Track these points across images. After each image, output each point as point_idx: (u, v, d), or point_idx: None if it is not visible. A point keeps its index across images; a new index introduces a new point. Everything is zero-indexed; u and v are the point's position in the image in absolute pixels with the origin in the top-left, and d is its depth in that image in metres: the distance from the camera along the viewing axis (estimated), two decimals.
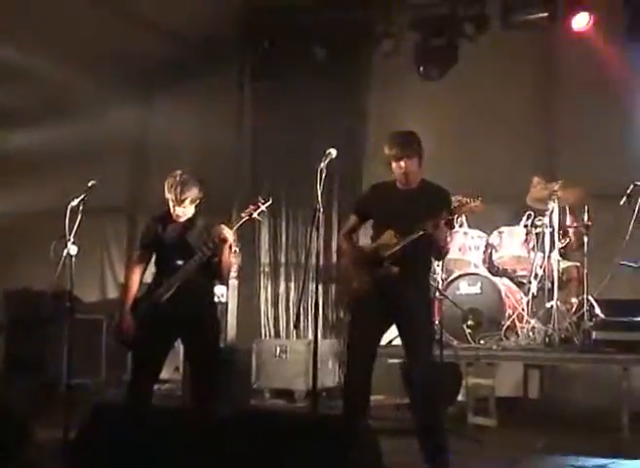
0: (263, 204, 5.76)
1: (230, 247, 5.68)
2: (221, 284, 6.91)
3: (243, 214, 5.76)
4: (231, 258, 5.85)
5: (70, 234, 5.85)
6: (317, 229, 5.14)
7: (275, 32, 9.77)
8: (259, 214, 5.78)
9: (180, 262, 5.66)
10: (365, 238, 5.91)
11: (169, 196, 5.75)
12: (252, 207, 5.77)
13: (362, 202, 5.91)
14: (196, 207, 5.85)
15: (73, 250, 5.86)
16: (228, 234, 5.59)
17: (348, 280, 5.66)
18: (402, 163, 5.45)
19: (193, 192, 5.73)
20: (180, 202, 5.70)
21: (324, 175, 5.13)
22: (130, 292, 5.86)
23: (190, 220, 5.83)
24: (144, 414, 4.77)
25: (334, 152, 5.24)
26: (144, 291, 5.87)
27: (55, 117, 10.44)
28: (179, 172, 5.78)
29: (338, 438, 3.96)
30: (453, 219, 5.59)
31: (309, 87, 9.81)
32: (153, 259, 5.96)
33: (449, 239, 5.92)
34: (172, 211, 5.79)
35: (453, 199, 5.56)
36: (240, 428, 4.19)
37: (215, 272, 5.81)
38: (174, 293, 5.63)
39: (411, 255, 5.36)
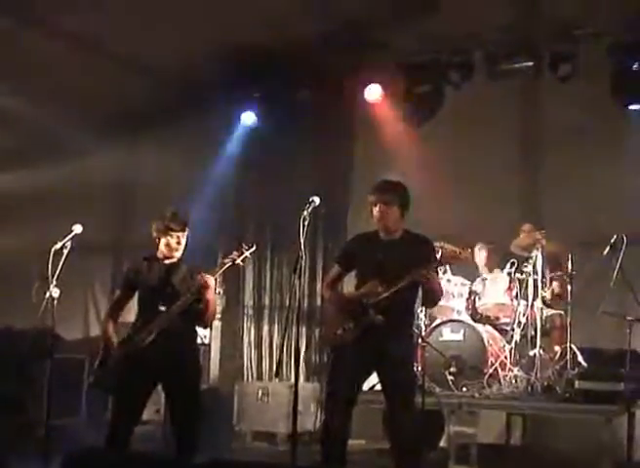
0: (247, 250, 5.78)
1: (218, 293, 5.69)
2: (204, 328, 6.89)
3: (226, 261, 5.77)
4: (215, 305, 5.84)
5: (53, 277, 5.86)
6: (299, 277, 5.17)
7: (262, 75, 9.82)
8: (242, 261, 5.79)
9: (162, 306, 5.64)
10: (348, 286, 5.92)
11: (158, 232, 5.76)
12: (235, 253, 5.78)
13: (345, 252, 5.93)
14: (185, 246, 5.85)
15: (55, 292, 5.87)
16: (210, 281, 5.59)
17: (332, 326, 5.66)
18: (377, 208, 5.50)
19: (184, 225, 5.76)
20: (180, 231, 5.72)
21: (307, 223, 5.16)
22: (108, 336, 5.82)
23: (175, 264, 5.83)
24: (123, 460, 4.73)
25: (317, 200, 5.28)
26: (126, 333, 5.85)
27: (40, 158, 10.45)
28: (168, 208, 5.82)
29: None
30: (437, 268, 5.63)
31: (295, 131, 9.87)
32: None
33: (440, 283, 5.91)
34: (161, 249, 5.79)
35: (441, 247, 5.61)
36: None
37: (198, 317, 5.81)
38: (155, 338, 5.60)
39: (396, 305, 5.38)
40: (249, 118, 10.11)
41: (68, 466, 4.51)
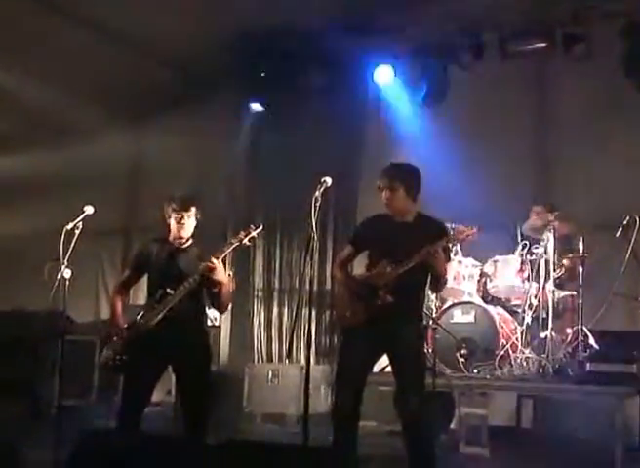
0: (255, 230, 5.76)
1: (225, 275, 5.67)
2: (220, 312, 6.86)
3: (234, 241, 5.74)
4: (230, 287, 5.82)
5: (65, 257, 5.87)
6: (311, 257, 5.13)
7: (270, 58, 9.79)
8: (249, 240, 5.77)
9: (169, 289, 5.64)
10: (359, 268, 5.90)
11: (164, 213, 5.76)
12: (243, 233, 5.76)
13: (358, 233, 5.91)
14: (194, 228, 5.84)
15: (67, 273, 5.88)
16: (215, 263, 5.55)
17: (342, 308, 5.65)
18: (384, 193, 5.49)
19: (194, 205, 5.76)
20: (183, 210, 5.71)
21: (318, 204, 5.12)
22: (116, 314, 5.84)
23: (185, 246, 5.83)
24: (134, 441, 4.74)
25: (329, 181, 5.23)
26: (137, 315, 5.86)
27: (51, 140, 10.47)
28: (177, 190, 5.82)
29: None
30: (449, 250, 5.59)
31: (305, 114, 9.84)
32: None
33: (446, 268, 5.86)
34: (171, 232, 5.79)
35: (449, 228, 5.58)
36: (228, 456, 4.17)
37: (214, 301, 5.81)
38: (166, 320, 5.60)
39: (405, 285, 5.36)
40: (258, 101, 10.06)
41: (82, 447, 4.53)
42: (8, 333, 9.55)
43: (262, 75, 9.82)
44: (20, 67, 9.01)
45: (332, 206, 9.72)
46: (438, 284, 5.70)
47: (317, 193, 5.17)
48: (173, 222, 5.76)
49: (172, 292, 5.61)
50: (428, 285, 5.71)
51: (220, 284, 5.65)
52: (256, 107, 10.10)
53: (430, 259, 5.32)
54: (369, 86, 9.72)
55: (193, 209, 5.77)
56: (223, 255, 5.66)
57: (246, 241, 5.75)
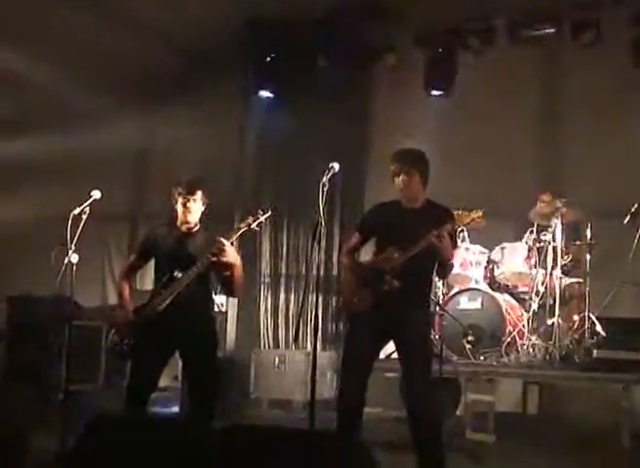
0: (263, 215, 5.75)
1: (236, 258, 5.66)
2: (233, 296, 6.85)
3: (242, 226, 5.74)
4: (241, 271, 5.81)
5: (72, 242, 5.86)
6: (319, 242, 5.11)
7: (279, 43, 9.76)
8: (257, 226, 5.76)
9: (178, 273, 5.64)
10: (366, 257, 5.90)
11: (171, 198, 5.76)
12: (251, 218, 5.75)
13: (366, 220, 5.89)
14: (202, 213, 5.85)
15: (74, 258, 5.88)
16: (226, 244, 5.56)
17: (349, 294, 5.64)
18: (399, 178, 5.46)
19: (200, 189, 5.75)
20: (189, 194, 5.70)
21: (326, 189, 5.10)
22: (123, 299, 5.84)
23: (193, 231, 5.83)
24: (141, 424, 4.74)
25: (336, 166, 5.20)
26: (144, 299, 5.86)
27: (58, 125, 10.45)
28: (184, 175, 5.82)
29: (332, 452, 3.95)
30: (456, 235, 5.58)
31: (313, 99, 9.81)
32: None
33: (453, 253, 5.84)
34: (178, 216, 5.79)
35: (455, 213, 5.57)
36: (234, 440, 4.18)
37: (226, 286, 5.81)
38: (173, 305, 5.61)
39: (413, 272, 5.34)
40: (267, 86, 10.01)
41: (89, 432, 4.54)
42: (15, 319, 9.57)
43: (271, 60, 9.77)
44: (30, 51, 8.99)
45: (339, 192, 9.71)
46: (445, 269, 5.66)
47: (325, 179, 5.14)
48: (179, 207, 5.75)
49: (179, 275, 5.62)
50: (435, 270, 5.70)
51: (231, 266, 5.64)
52: (264, 92, 10.03)
53: (436, 244, 5.30)
54: (376, 71, 9.67)
55: (199, 193, 5.76)
56: (233, 239, 5.65)
57: (254, 226, 5.74)
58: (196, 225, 5.84)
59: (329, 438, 4.39)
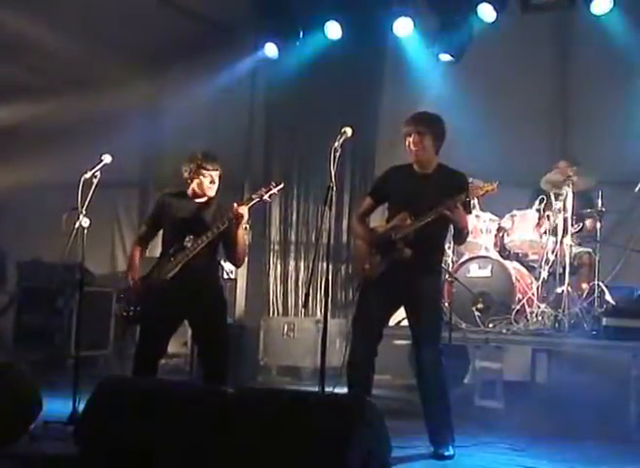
0: (275, 187, 5.74)
1: (245, 228, 5.67)
2: (236, 266, 6.85)
3: (254, 196, 5.73)
4: (245, 241, 5.81)
5: (82, 206, 5.87)
6: (330, 208, 5.08)
7: (292, 8, 9.67)
8: (270, 197, 5.76)
9: (188, 240, 5.64)
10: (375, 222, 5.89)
11: (190, 173, 5.75)
12: (264, 189, 5.73)
13: (378, 184, 5.86)
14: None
15: (85, 222, 5.89)
16: (243, 211, 5.56)
17: (360, 261, 5.63)
18: (411, 138, 5.42)
19: (217, 164, 5.77)
20: (214, 170, 5.73)
21: (338, 155, 5.06)
22: (133, 266, 5.88)
23: (206, 202, 5.83)
24: (153, 387, 4.77)
25: (349, 131, 5.11)
26: (152, 265, 5.87)
27: (69, 90, 10.44)
28: (198, 150, 5.80)
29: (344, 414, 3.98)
30: (469, 203, 5.56)
31: (323, 66, 9.74)
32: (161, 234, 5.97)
33: (467, 221, 5.80)
34: (193, 188, 5.79)
35: (470, 183, 5.53)
36: (245, 404, 4.21)
37: (230, 254, 5.81)
38: (182, 272, 5.62)
39: (424, 239, 5.33)
40: (276, 53, 9.92)
41: (101, 394, 4.57)
42: (26, 283, 9.61)
43: (283, 25, 9.68)
44: (46, 17, 8.96)
45: (349, 158, 9.67)
46: (461, 236, 5.65)
47: (337, 143, 5.05)
48: (205, 181, 5.75)
49: (189, 244, 5.62)
50: (452, 237, 5.69)
51: (236, 236, 5.64)
52: (273, 56, 9.94)
53: (450, 213, 5.28)
54: (388, 37, 9.59)
55: (219, 168, 5.78)
56: (245, 208, 5.63)
57: (266, 197, 5.74)
58: (210, 197, 5.85)
59: (339, 399, 4.42)
